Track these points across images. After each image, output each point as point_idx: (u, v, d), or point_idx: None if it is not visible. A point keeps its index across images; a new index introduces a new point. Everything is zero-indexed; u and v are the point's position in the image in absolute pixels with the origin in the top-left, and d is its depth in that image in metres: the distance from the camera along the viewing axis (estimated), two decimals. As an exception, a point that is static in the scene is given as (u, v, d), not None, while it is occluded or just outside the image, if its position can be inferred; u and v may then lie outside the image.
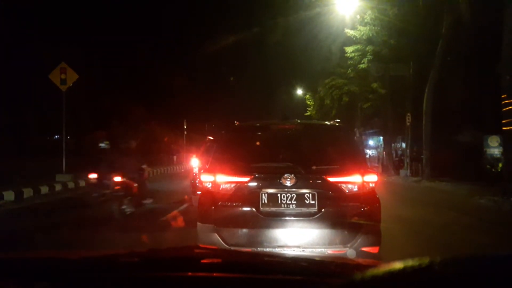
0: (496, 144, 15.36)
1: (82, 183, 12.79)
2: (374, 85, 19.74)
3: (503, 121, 10.61)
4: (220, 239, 3.49)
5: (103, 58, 26.43)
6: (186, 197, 9.60)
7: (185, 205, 8.94)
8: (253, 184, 3.59)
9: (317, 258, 1.75)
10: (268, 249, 3.43)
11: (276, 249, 3.44)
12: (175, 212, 8.23)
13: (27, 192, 10.20)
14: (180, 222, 7.53)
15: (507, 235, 6.80)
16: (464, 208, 9.54)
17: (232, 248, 3.39)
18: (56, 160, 13.30)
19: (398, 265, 0.73)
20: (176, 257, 1.58)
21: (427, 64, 16.32)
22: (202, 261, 1.50)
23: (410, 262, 0.73)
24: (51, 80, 12.93)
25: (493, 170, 14.57)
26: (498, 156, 14.84)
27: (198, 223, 3.72)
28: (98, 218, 7.55)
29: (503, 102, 10.48)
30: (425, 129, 16.45)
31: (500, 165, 13.75)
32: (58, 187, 11.59)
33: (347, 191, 3.59)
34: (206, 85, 38.26)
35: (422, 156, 17.02)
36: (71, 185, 12.22)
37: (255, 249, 3.41)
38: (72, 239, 5.73)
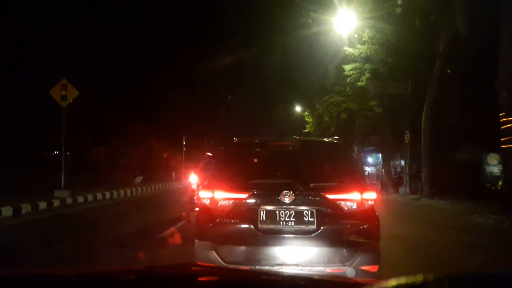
0: (496, 162, 15.40)
1: (80, 199, 12.72)
2: (372, 103, 19.86)
3: (502, 139, 10.61)
4: (217, 257, 3.45)
5: (102, 74, 26.57)
6: (183, 214, 9.54)
7: (182, 222, 8.89)
8: (252, 200, 3.57)
9: (315, 277, 1.74)
10: (266, 267, 3.39)
11: (274, 267, 3.40)
12: (172, 229, 8.19)
13: (25, 208, 10.12)
14: (177, 239, 7.49)
15: (507, 254, 6.74)
16: (463, 227, 9.48)
17: (230, 266, 3.35)
18: (55, 176, 13.24)
19: (392, 282, 0.73)
20: (173, 274, 1.56)
21: (425, 82, 16.45)
22: (199, 279, 1.49)
23: (404, 280, 0.73)
24: (51, 96, 12.97)
25: (492, 188, 14.56)
26: (498, 174, 14.84)
27: (195, 240, 3.68)
28: (94, 234, 7.52)
29: (501, 120, 10.51)
30: (423, 147, 16.47)
31: (500, 183, 13.74)
32: (56, 203, 11.50)
33: (346, 208, 3.55)
34: (205, 102, 38.38)
35: (421, 174, 16.99)
36: (69, 201, 12.14)
37: (253, 267, 3.37)
38: (69, 255, 5.67)
